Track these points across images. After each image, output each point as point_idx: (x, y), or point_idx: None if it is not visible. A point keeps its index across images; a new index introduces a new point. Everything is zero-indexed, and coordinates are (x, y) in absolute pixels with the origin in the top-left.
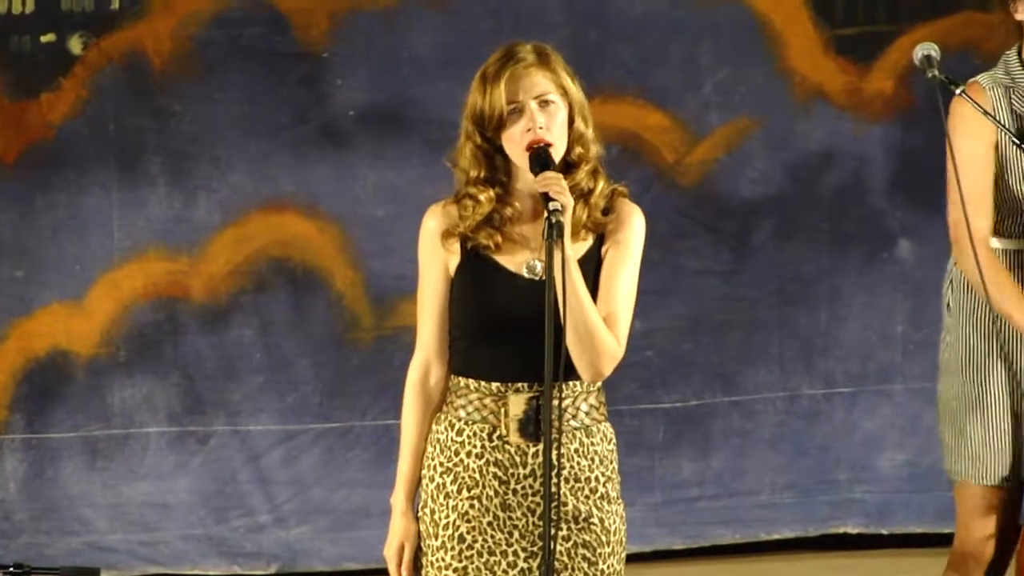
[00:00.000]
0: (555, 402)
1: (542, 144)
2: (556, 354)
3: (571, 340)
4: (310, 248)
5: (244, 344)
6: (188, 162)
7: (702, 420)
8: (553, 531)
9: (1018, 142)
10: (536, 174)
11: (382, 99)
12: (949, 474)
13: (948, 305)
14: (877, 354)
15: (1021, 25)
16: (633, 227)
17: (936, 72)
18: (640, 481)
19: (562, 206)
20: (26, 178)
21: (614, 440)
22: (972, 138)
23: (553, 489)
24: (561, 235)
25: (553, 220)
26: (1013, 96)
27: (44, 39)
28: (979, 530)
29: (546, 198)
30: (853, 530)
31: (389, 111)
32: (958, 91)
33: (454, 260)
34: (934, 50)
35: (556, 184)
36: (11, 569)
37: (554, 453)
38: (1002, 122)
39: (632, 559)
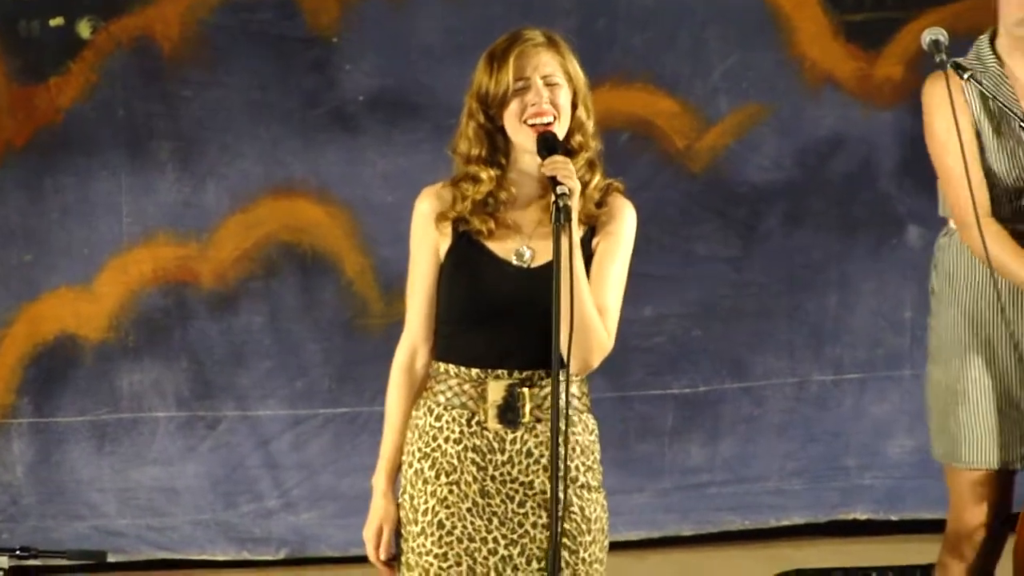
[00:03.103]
0: (537, 390)
1: (545, 117)
2: (567, 340)
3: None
4: (320, 233)
5: (253, 329)
6: (197, 147)
7: (711, 406)
8: (560, 511)
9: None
10: (544, 158)
11: (392, 85)
12: (936, 458)
13: (932, 289)
14: (886, 340)
15: (997, 12)
16: (625, 221)
17: (944, 57)
18: (649, 467)
19: (569, 190)
20: (35, 162)
21: (596, 431)
22: (950, 118)
23: (536, 480)
24: (569, 219)
25: (560, 204)
26: (983, 80)
27: (53, 23)
28: (970, 513)
29: (554, 182)
30: (862, 516)
31: (399, 96)
32: (958, 72)
33: (445, 243)
34: (942, 35)
35: (564, 168)
36: (18, 552)
37: (533, 441)
38: (972, 106)
39: (641, 544)
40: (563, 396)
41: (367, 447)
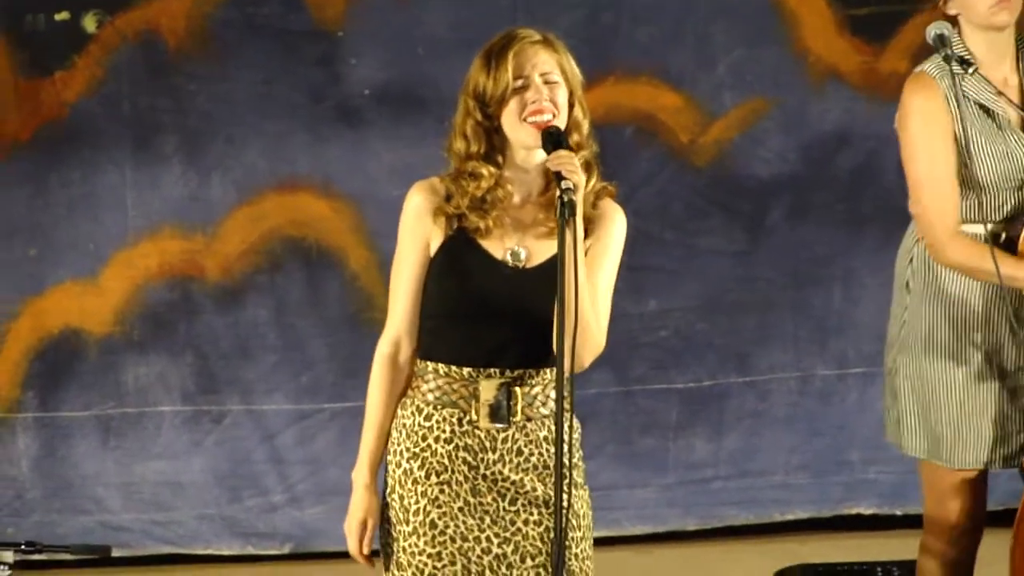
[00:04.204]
0: (527, 389)
1: (545, 115)
2: (571, 336)
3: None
4: (325, 228)
5: (258, 323)
6: (203, 141)
7: (716, 401)
8: (565, 503)
9: None
10: (549, 152)
11: (397, 78)
12: (905, 451)
13: (907, 284)
14: None
15: (950, 12)
16: (615, 226)
17: (949, 51)
18: (654, 462)
19: (574, 185)
20: (40, 156)
21: (579, 429)
22: (927, 125)
23: (526, 478)
24: (573, 214)
25: (565, 199)
26: (962, 83)
27: (58, 17)
28: (951, 510)
29: (559, 176)
30: (867, 511)
31: (404, 90)
32: (928, 70)
33: (437, 239)
34: (947, 29)
35: (569, 163)
36: (23, 547)
37: (523, 440)
38: (953, 111)
39: (645, 539)
40: (552, 395)
41: None
